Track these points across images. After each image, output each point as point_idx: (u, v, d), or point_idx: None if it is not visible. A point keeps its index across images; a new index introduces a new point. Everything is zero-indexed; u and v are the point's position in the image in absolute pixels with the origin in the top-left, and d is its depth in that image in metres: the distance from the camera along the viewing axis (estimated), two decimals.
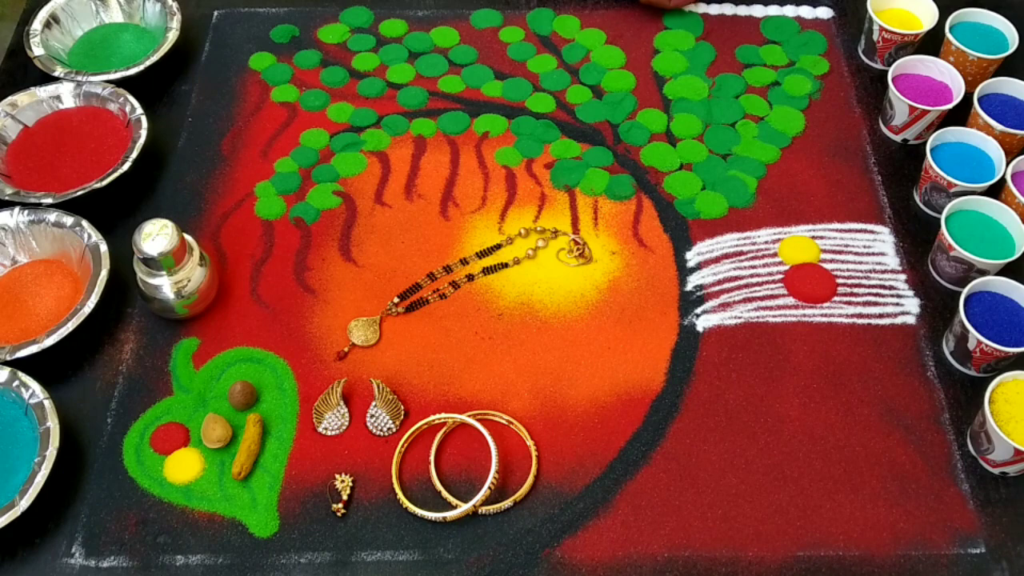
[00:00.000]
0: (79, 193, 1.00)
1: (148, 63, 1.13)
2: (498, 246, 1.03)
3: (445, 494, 0.85)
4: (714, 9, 1.26)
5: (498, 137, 1.12)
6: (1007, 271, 0.96)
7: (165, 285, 0.92)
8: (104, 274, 0.94)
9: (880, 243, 1.03)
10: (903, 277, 1.01)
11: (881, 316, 0.98)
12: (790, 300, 0.99)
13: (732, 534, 0.84)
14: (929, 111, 1.07)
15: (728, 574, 0.82)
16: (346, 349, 0.95)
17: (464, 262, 1.01)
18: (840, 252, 1.03)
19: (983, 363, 0.92)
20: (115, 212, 1.04)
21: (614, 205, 1.06)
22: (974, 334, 0.89)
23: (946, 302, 0.99)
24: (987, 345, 0.89)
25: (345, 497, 0.85)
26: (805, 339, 0.96)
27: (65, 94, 1.10)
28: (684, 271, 1.01)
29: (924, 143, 1.08)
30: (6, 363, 0.90)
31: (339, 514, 0.84)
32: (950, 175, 1.01)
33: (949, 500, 0.86)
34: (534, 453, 0.88)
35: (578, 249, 1.02)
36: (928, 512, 0.85)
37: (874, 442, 0.89)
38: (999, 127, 1.04)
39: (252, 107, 1.15)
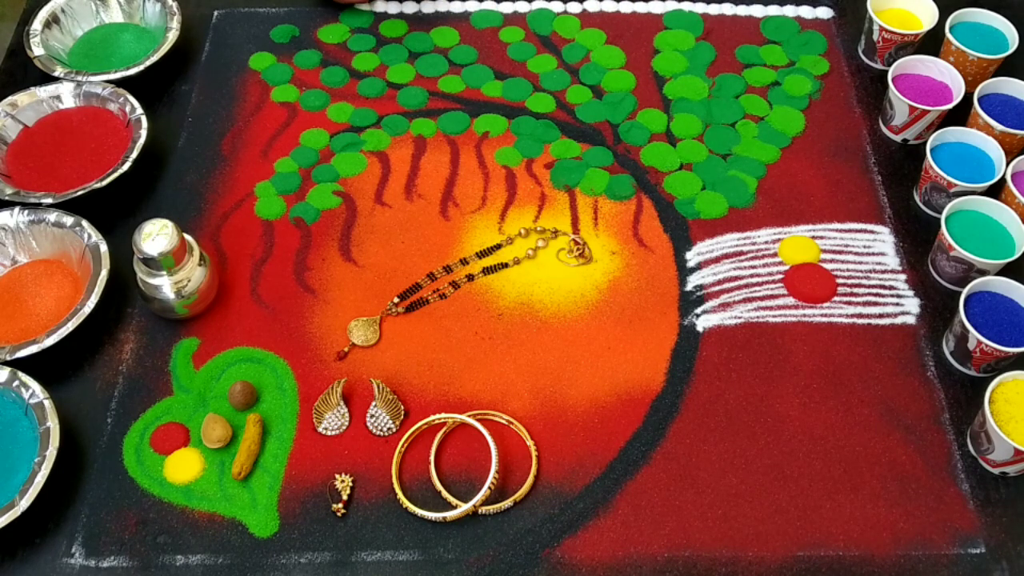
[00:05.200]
0: (79, 193, 1.00)
1: (148, 63, 1.13)
2: (498, 246, 1.03)
3: (445, 494, 0.85)
4: (714, 9, 1.26)
5: (498, 137, 1.12)
6: (1007, 271, 0.96)
7: (165, 285, 0.92)
8: (104, 274, 0.94)
9: (880, 243, 1.03)
10: (903, 277, 1.01)
11: (881, 316, 0.98)
12: (790, 300, 0.99)
13: (732, 534, 0.84)
14: (929, 111, 1.07)
15: (728, 574, 0.82)
16: (346, 349, 0.95)
17: (464, 262, 1.01)
18: (840, 252, 1.03)
19: (983, 363, 0.92)
20: (115, 212, 1.04)
21: (614, 205, 1.06)
22: (974, 334, 0.89)
23: (946, 302, 0.99)
24: (987, 345, 0.89)
25: (345, 497, 0.85)
26: (805, 339, 0.96)
27: (65, 94, 1.10)
28: (684, 271, 1.01)
29: (924, 143, 1.08)
30: (6, 363, 0.89)
31: (339, 514, 0.84)
32: (950, 175, 1.01)
33: (949, 500, 0.86)
34: (534, 453, 0.88)
35: (578, 249, 1.02)
36: (928, 512, 0.85)
37: (874, 442, 0.89)
38: (999, 127, 1.04)
39: (252, 107, 1.15)
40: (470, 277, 1.00)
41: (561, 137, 1.12)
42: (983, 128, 1.05)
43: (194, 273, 0.93)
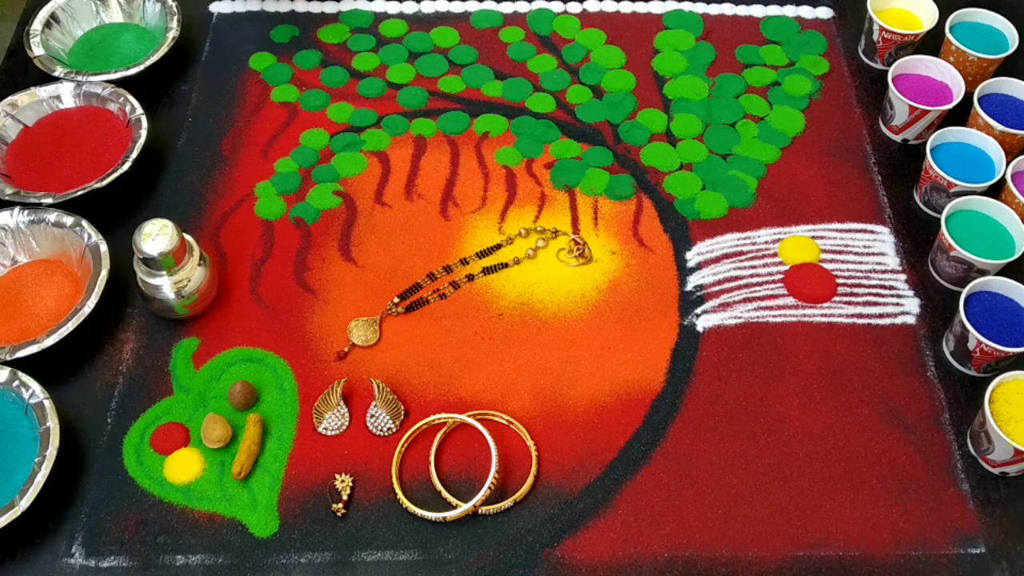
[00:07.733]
0: (79, 193, 1.00)
1: (148, 63, 1.13)
2: (498, 246, 1.03)
3: (445, 494, 0.85)
4: (714, 9, 1.26)
5: (498, 137, 1.12)
6: (1007, 271, 0.96)
7: (165, 285, 0.92)
8: (104, 274, 0.94)
9: (880, 243, 1.03)
10: (903, 277, 1.01)
11: (881, 316, 0.98)
12: (790, 300, 0.99)
13: (732, 534, 0.84)
14: (929, 111, 1.08)
15: (728, 574, 0.82)
16: (346, 349, 0.95)
17: (464, 262, 1.01)
18: (840, 252, 1.03)
19: (983, 363, 0.92)
20: (115, 212, 1.04)
21: (614, 205, 1.06)
22: (974, 334, 0.89)
23: (946, 302, 0.99)
24: (987, 345, 0.89)
25: (345, 497, 0.85)
26: (805, 339, 0.96)
27: (65, 94, 1.10)
28: (684, 271, 1.01)
29: (924, 143, 1.08)
30: (6, 363, 0.89)
31: (339, 514, 0.84)
32: (950, 175, 1.01)
33: (949, 500, 0.86)
34: (534, 453, 0.88)
35: (578, 249, 1.02)
36: (928, 512, 0.85)
37: (874, 442, 0.89)
38: (999, 127, 1.04)
39: (252, 107, 1.15)
40: (470, 277, 1.00)
41: (561, 137, 1.12)
42: (983, 128, 1.05)
43: (194, 273, 0.93)
